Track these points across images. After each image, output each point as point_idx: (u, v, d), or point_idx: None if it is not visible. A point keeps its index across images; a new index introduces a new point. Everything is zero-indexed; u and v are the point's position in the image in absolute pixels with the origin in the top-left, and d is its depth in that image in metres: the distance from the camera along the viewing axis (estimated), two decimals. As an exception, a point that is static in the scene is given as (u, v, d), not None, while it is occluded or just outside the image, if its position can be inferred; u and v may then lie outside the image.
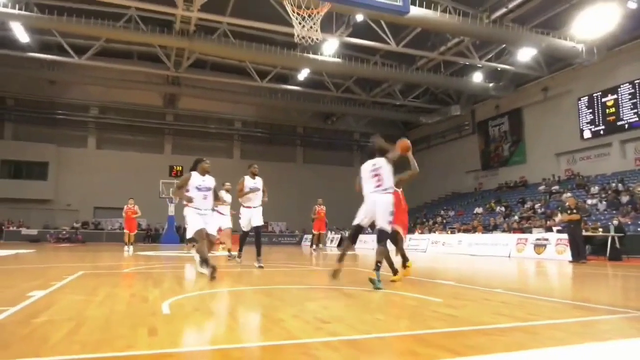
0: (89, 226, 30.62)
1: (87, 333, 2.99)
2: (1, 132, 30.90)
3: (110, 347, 2.65)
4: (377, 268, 5.53)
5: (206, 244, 6.56)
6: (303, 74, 27.55)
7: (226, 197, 12.09)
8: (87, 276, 6.92)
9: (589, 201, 20.26)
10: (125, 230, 15.87)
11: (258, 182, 8.80)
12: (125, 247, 15.22)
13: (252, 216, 8.68)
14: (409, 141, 6.14)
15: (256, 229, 8.73)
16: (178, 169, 29.93)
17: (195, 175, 6.62)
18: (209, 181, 6.74)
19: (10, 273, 7.50)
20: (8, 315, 3.54)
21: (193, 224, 6.45)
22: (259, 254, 8.72)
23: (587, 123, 23.87)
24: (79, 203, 31.32)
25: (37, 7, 20.62)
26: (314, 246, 17.57)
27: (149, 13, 21.57)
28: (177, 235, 27.68)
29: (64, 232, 28.10)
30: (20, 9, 19.99)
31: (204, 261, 6.35)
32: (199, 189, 6.54)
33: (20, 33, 22.11)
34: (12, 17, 20.03)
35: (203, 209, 6.57)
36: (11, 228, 28.20)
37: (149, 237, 29.76)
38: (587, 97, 23.87)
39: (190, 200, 6.41)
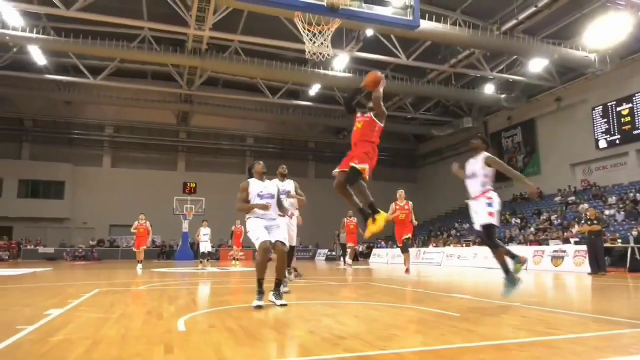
0: (104, 244, 30.87)
1: (104, 351, 3.00)
2: (19, 152, 31.49)
3: (126, 365, 2.65)
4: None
5: (265, 261, 5.49)
6: (314, 90, 27.74)
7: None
8: (103, 294, 6.96)
9: (607, 212, 19.92)
10: (135, 249, 15.07)
11: (287, 184, 7.67)
12: (139, 265, 14.53)
13: (289, 228, 7.41)
14: (374, 73, 5.22)
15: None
16: (191, 185, 30.15)
17: (253, 181, 5.80)
18: (271, 187, 5.86)
19: (28, 291, 7.58)
20: (26, 333, 3.57)
21: (256, 235, 5.42)
22: (288, 272, 7.83)
23: (602, 132, 23.59)
24: (94, 221, 31.65)
25: (53, 30, 21.14)
26: (348, 260, 16.46)
27: (162, 33, 22.02)
28: (191, 251, 27.77)
29: (80, 250, 28.36)
30: (37, 32, 20.51)
31: (259, 282, 5.41)
32: (260, 196, 5.67)
33: (37, 56, 22.65)
34: (30, 40, 20.55)
35: (268, 217, 5.59)
36: (29, 246, 28.53)
37: (163, 253, 29.89)
38: (601, 107, 23.62)
39: (265, 207, 5.51)
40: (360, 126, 5.19)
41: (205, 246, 16.89)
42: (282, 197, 6.98)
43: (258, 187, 5.73)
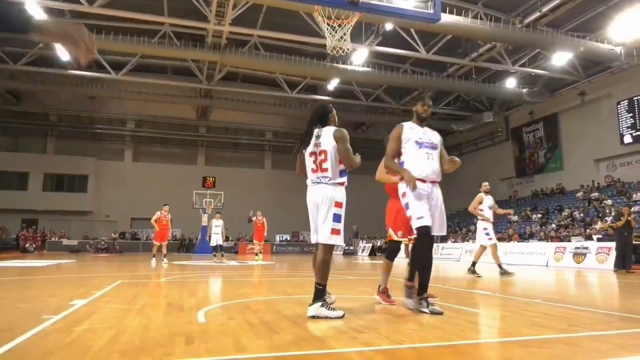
0: (126, 237, 31.44)
1: (127, 341, 3.07)
2: (44, 147, 32.25)
3: (148, 356, 2.70)
4: None
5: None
6: (333, 84, 27.67)
7: (488, 201, 9.92)
8: (125, 285, 7.09)
9: (631, 208, 19.48)
10: (155, 242, 14.39)
11: (430, 133, 4.71)
12: (153, 260, 13.71)
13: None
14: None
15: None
16: (211, 179, 30.44)
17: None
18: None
19: (54, 282, 7.76)
20: (52, 323, 3.67)
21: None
22: (411, 278, 4.63)
23: (628, 127, 23.03)
24: (116, 214, 32.26)
25: (77, 27, 21.51)
26: None
27: (182, 29, 22.24)
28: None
29: (103, 243, 28.92)
30: (61, 28, 20.90)
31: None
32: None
33: (62, 52, 23.06)
34: (54, 36, 20.93)
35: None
36: (53, 239, 29.25)
37: (183, 246, 30.33)
38: (627, 101, 23.06)
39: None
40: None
41: (216, 239, 15.73)
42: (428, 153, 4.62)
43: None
